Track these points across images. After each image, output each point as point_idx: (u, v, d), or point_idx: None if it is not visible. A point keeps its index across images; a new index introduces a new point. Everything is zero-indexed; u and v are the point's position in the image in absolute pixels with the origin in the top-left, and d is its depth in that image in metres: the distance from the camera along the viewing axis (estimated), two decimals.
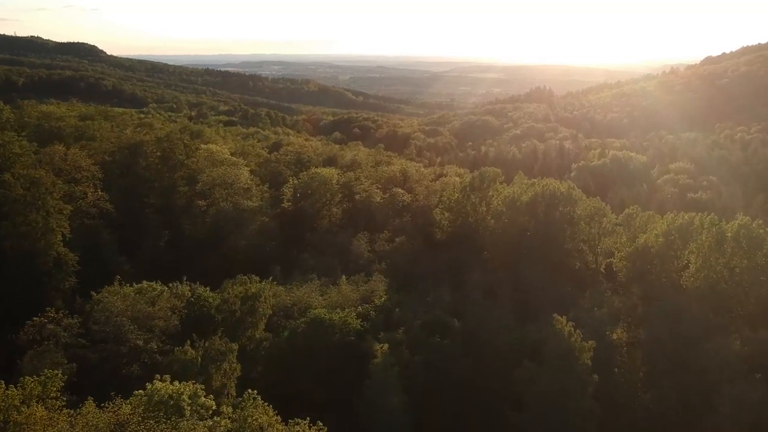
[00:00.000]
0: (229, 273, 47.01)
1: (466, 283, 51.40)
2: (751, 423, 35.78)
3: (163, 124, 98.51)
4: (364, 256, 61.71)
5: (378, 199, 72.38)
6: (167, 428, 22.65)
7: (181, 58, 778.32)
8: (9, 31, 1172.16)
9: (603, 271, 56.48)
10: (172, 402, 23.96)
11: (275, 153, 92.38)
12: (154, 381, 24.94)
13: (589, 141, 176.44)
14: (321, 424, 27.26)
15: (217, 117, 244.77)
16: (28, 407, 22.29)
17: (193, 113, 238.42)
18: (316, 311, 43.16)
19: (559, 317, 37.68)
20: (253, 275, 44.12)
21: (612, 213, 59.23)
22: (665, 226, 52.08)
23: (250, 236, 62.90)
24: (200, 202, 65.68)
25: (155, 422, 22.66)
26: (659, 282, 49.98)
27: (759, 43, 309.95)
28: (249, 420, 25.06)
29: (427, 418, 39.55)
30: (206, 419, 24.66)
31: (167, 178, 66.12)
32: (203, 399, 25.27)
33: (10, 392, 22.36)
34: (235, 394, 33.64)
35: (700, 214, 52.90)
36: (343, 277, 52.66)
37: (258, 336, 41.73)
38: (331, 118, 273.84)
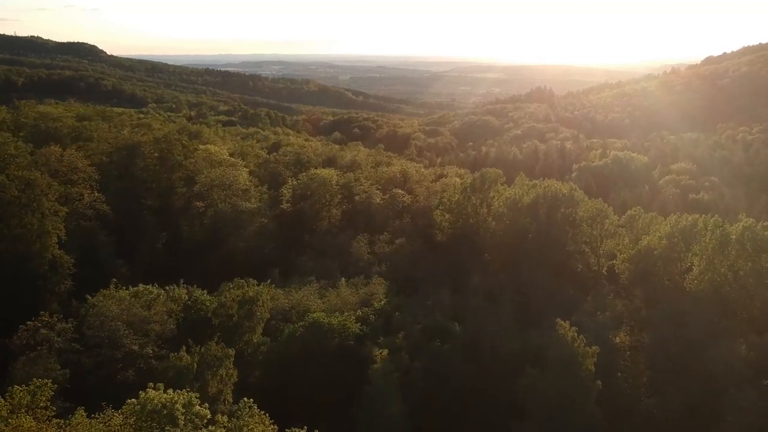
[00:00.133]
0: (227, 275, 46.42)
1: (466, 285, 50.81)
2: (759, 431, 35.12)
3: (161, 125, 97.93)
4: (364, 258, 61.15)
5: (378, 200, 71.85)
6: None
7: (181, 58, 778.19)
8: (9, 31, 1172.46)
9: (605, 273, 55.87)
10: (165, 411, 23.31)
11: (274, 153, 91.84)
12: (147, 389, 24.29)
13: (590, 141, 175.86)
14: None
15: (217, 117, 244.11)
16: (16, 418, 21.65)
17: (192, 113, 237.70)
18: (315, 315, 42.56)
19: (562, 322, 37.01)
20: (251, 278, 43.54)
21: (614, 214, 58.61)
22: (668, 228, 51.46)
23: (249, 238, 62.37)
24: (198, 203, 65.09)
25: None
26: (662, 285, 49.37)
27: (760, 43, 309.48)
28: (244, 430, 24.44)
29: (427, 425, 38.87)
30: (201, 429, 24.04)
31: (165, 180, 65.56)
32: (198, 408, 24.62)
33: None
34: (231, 400, 33.08)
35: (703, 216, 52.29)
36: (343, 279, 52.16)
37: (255, 340, 41.17)
38: (331, 118, 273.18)
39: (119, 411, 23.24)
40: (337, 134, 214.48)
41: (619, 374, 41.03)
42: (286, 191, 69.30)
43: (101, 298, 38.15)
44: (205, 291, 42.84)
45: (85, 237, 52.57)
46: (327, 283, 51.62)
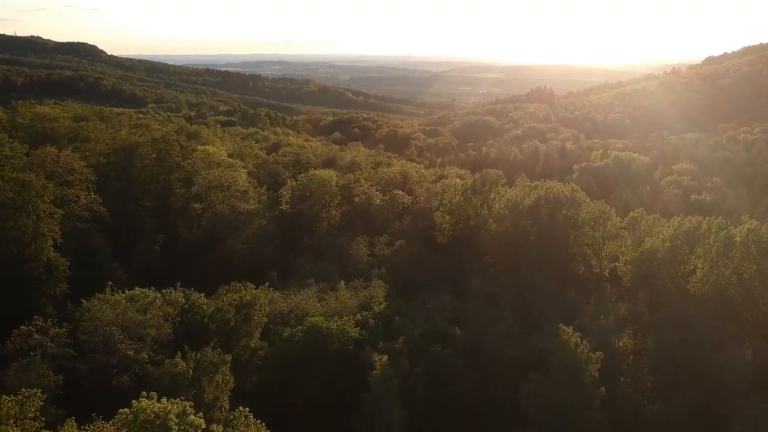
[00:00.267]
0: (225, 278, 45.84)
1: (467, 288, 50.16)
2: None
3: (159, 125, 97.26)
4: (364, 260, 60.49)
5: (378, 201, 71.23)
6: None
7: (181, 58, 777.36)
8: (9, 31, 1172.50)
9: (607, 276, 55.29)
10: (158, 422, 22.65)
11: (274, 154, 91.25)
12: (141, 398, 23.64)
13: (591, 142, 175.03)
14: None
15: (216, 117, 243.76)
16: (4, 429, 20.99)
17: (192, 113, 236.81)
18: (314, 319, 41.86)
19: (565, 327, 36.31)
20: (248, 281, 42.88)
21: (616, 216, 57.97)
22: (671, 230, 50.88)
23: (247, 240, 61.74)
24: (196, 205, 64.44)
25: None
26: (665, 287, 48.77)
27: (761, 43, 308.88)
28: None
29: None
30: None
31: (163, 181, 64.95)
32: (192, 417, 23.93)
33: None
34: (228, 407, 32.35)
35: (707, 218, 51.65)
36: (342, 282, 51.45)
37: (253, 345, 40.42)
38: (331, 118, 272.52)
39: (110, 422, 22.53)
40: (337, 134, 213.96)
41: (622, 379, 40.35)
42: (285, 192, 68.66)
43: (96, 302, 37.57)
44: (202, 294, 42.34)
45: (82, 239, 51.99)
46: (326, 285, 50.94)
